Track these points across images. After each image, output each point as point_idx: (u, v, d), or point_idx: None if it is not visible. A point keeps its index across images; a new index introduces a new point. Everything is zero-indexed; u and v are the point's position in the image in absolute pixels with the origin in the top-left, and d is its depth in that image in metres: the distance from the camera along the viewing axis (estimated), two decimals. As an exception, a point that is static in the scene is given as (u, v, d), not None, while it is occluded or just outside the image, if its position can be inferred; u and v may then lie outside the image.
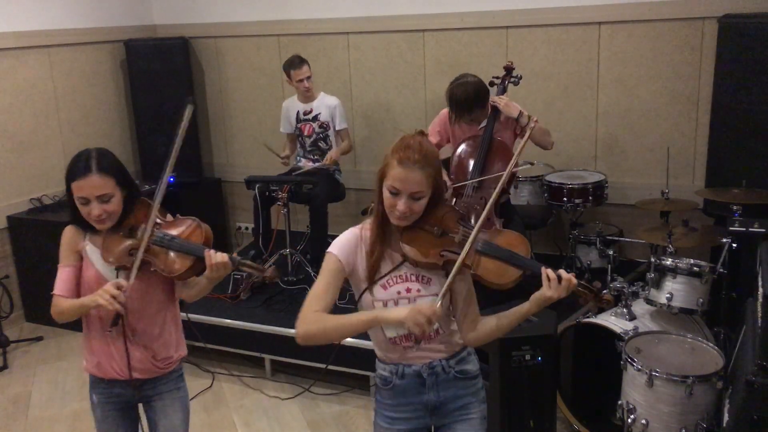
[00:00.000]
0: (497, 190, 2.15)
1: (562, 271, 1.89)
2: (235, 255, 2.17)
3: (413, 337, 1.95)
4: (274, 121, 5.03)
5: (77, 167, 2.13)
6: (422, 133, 2.00)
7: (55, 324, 4.65)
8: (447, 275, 1.94)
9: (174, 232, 2.22)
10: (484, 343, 2.06)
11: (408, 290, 1.99)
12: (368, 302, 2.01)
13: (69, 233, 2.26)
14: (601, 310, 1.95)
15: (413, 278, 1.99)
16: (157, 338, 2.30)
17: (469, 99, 3.71)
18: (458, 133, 3.97)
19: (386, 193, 1.93)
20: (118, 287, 2.09)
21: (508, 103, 3.76)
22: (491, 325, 2.02)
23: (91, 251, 2.23)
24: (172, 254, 2.17)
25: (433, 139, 4.04)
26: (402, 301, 1.98)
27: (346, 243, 2.00)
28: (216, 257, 2.12)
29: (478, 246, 1.93)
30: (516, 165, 3.76)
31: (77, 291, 2.23)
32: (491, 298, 2.12)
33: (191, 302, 2.37)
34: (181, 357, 2.40)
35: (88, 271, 2.23)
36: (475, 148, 3.81)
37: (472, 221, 2.03)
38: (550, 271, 1.89)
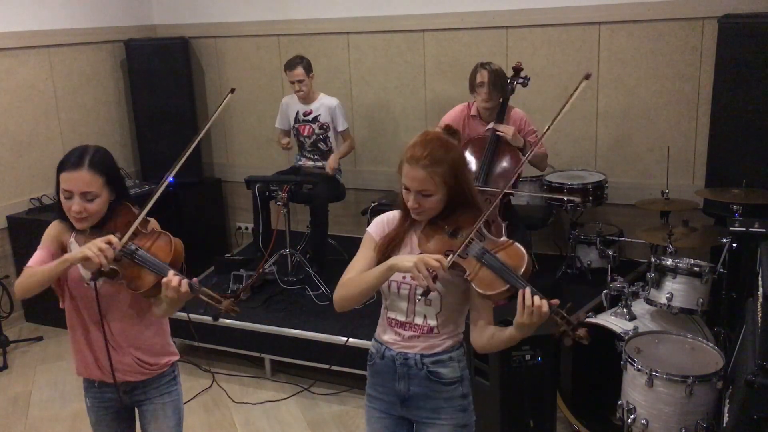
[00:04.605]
0: (495, 202, 2.16)
1: (536, 298, 1.78)
2: (195, 281, 2.02)
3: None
4: (274, 121, 5.02)
5: (69, 159, 2.08)
6: (449, 129, 1.99)
7: (55, 324, 4.71)
8: (452, 275, 1.95)
9: (147, 244, 2.10)
10: (486, 351, 2.05)
11: (413, 277, 1.96)
12: None
13: (56, 226, 2.19)
14: (575, 342, 1.81)
15: None
16: (136, 340, 2.22)
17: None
18: (466, 132, 3.98)
19: (402, 187, 1.98)
20: (109, 242, 1.98)
21: (515, 134, 3.80)
22: (488, 336, 1.98)
23: (75, 249, 2.13)
24: (137, 268, 2.06)
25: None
26: (404, 285, 2.03)
27: (380, 221, 2.11)
28: (173, 281, 1.98)
29: (477, 253, 1.93)
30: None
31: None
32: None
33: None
34: (170, 362, 2.31)
35: (71, 270, 2.13)
36: (482, 149, 3.83)
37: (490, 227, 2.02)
38: (527, 294, 1.79)
